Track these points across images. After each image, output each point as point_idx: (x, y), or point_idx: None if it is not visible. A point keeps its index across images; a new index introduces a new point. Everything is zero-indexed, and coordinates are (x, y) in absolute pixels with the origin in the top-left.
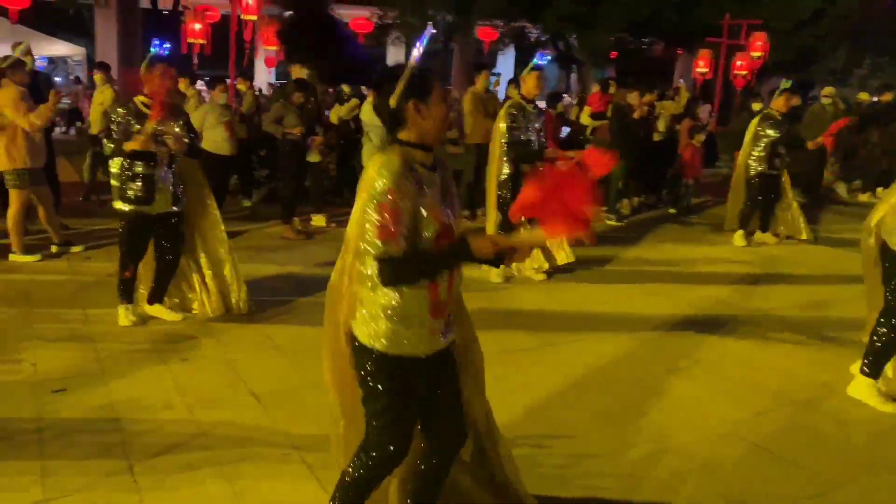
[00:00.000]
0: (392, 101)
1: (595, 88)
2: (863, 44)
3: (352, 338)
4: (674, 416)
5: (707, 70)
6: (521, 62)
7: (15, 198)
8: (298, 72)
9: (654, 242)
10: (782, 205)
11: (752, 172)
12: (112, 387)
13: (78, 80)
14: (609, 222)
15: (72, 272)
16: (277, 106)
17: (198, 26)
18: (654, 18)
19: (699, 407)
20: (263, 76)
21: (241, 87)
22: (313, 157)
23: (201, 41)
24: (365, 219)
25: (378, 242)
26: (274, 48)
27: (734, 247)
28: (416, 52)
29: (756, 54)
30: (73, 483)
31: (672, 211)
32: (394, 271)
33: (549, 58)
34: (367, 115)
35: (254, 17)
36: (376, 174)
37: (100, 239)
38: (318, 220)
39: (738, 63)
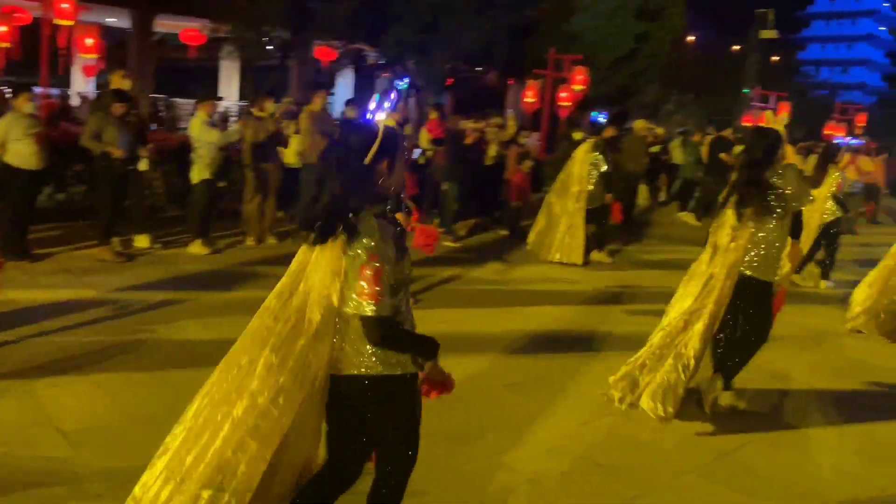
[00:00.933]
0: (367, 160)
1: (433, 114)
2: (670, 82)
3: (369, 378)
4: (507, 432)
5: (534, 100)
6: (360, 85)
7: None
8: (118, 82)
9: (491, 262)
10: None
11: (596, 203)
12: None
13: None
14: (446, 244)
15: None
16: (95, 119)
17: (1, 28)
18: (488, 49)
19: (531, 422)
20: (80, 85)
21: None
22: (142, 165)
23: (5, 44)
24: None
25: (372, 304)
26: (93, 56)
27: (569, 267)
28: (385, 112)
29: (578, 87)
30: None
31: (504, 232)
32: (388, 335)
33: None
34: (197, 130)
35: (69, 23)
36: (369, 237)
37: None
38: (141, 241)
39: (563, 95)
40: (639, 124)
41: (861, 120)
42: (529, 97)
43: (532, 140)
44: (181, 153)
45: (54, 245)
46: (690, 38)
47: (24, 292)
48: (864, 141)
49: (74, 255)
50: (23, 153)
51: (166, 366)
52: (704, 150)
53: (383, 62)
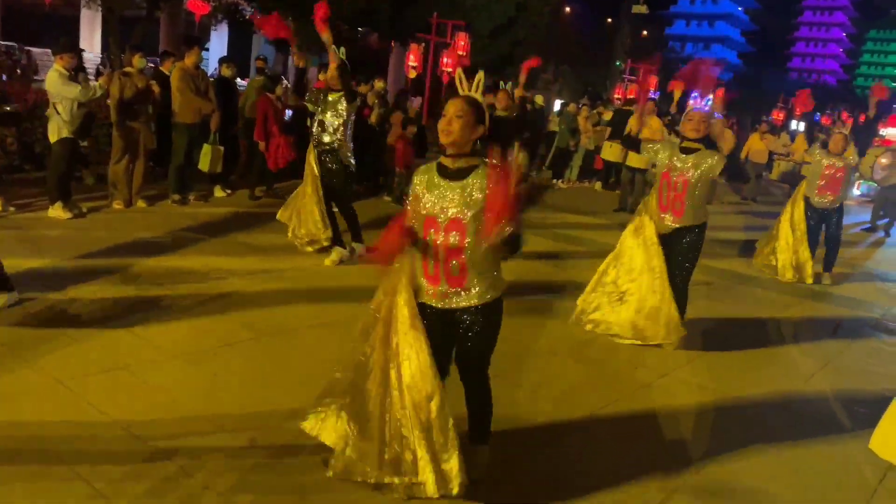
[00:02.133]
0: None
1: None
2: (549, 52)
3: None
4: None
5: (417, 65)
6: (236, 41)
7: None
8: None
9: (375, 230)
10: None
11: None
12: None
13: None
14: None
15: None
16: None
17: None
18: (370, 11)
19: None
20: None
21: None
22: None
23: None
24: None
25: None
26: None
27: None
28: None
29: (461, 53)
30: None
31: (388, 198)
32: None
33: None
34: (54, 84)
35: None
36: None
37: None
38: None
39: (446, 60)
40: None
41: (720, 94)
42: (412, 61)
43: (415, 105)
44: (38, 109)
45: None
46: (567, 10)
47: None
48: (721, 115)
49: None
50: None
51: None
52: (581, 121)
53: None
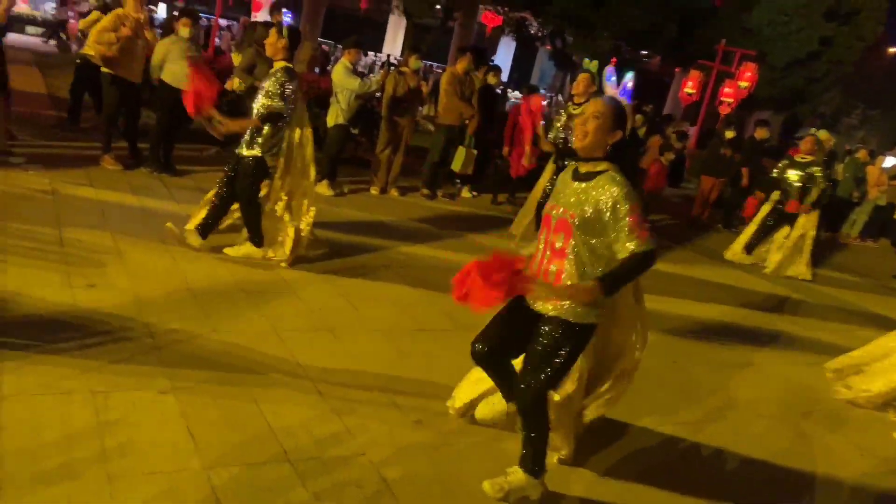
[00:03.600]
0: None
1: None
2: (855, 93)
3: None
4: None
5: (694, 91)
6: (520, 55)
7: None
8: (281, 16)
9: None
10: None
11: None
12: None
13: None
14: None
15: (5, 183)
16: (250, 52)
17: None
18: (655, 32)
19: None
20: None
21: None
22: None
23: None
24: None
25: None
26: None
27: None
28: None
29: (744, 84)
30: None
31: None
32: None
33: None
34: (339, 76)
35: None
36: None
37: (56, 159)
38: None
39: (726, 90)
40: (822, 135)
41: None
42: (689, 88)
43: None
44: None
45: (195, 164)
46: (892, 50)
47: (157, 202)
48: None
49: (210, 177)
50: (177, 74)
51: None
52: (873, 172)
53: (544, 33)
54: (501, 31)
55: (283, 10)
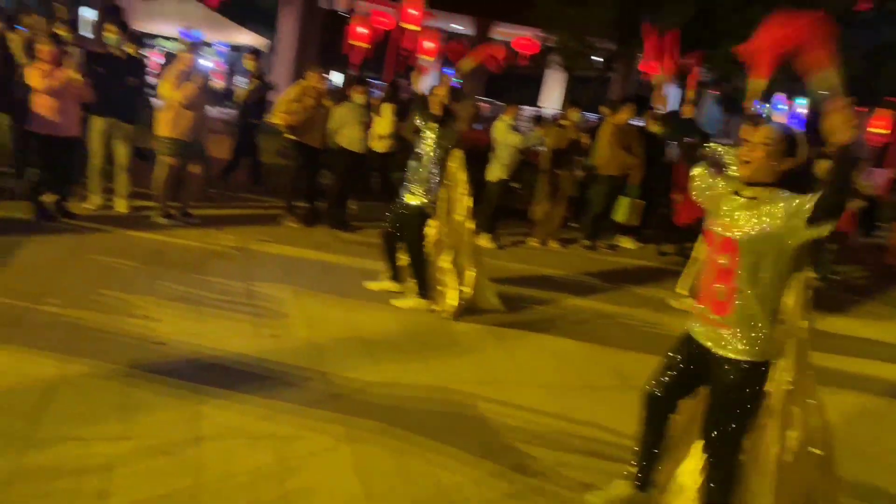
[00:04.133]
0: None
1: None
2: None
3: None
4: None
5: (887, 132)
6: (682, 102)
7: (164, 164)
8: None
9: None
10: None
11: None
12: (211, 342)
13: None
14: None
15: (201, 240)
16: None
17: (362, 30)
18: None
19: None
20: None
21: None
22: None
23: (364, 44)
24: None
25: None
26: (430, 59)
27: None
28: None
29: None
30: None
31: (812, 275)
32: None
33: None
34: (500, 132)
35: (415, 28)
36: None
37: (235, 219)
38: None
39: None
40: None
41: None
42: (879, 127)
43: (875, 176)
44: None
45: (369, 220)
46: None
47: (335, 256)
48: None
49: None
50: (352, 138)
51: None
52: None
53: (710, 79)
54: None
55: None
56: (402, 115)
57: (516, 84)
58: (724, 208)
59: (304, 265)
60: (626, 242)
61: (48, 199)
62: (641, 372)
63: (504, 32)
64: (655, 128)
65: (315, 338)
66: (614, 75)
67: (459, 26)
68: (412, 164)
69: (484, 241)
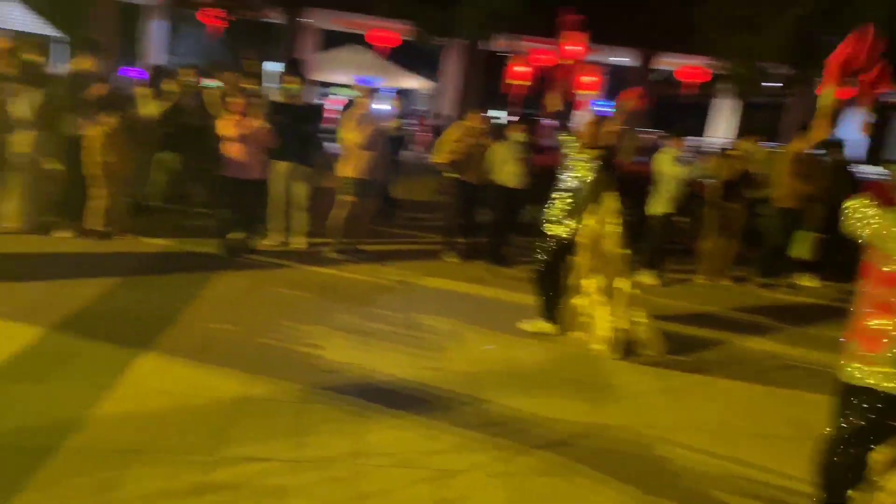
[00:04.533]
0: None
1: None
2: None
3: None
4: None
5: None
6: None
7: (342, 203)
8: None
9: None
10: None
11: None
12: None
13: (419, 112)
14: None
15: (370, 274)
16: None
17: (521, 68)
18: None
19: None
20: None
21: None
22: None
23: (523, 82)
24: None
25: None
26: (592, 92)
27: None
28: None
29: None
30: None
31: None
32: None
33: None
34: (665, 164)
35: (575, 63)
36: None
37: (399, 255)
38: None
39: None
40: None
41: None
42: None
43: None
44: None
45: (527, 256)
46: None
47: (492, 290)
48: None
49: None
50: (510, 174)
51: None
52: None
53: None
54: (847, 104)
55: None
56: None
57: (682, 113)
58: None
59: (463, 299)
60: (808, 280)
61: (235, 236)
62: (819, 420)
63: (668, 62)
64: (838, 155)
65: (472, 370)
66: (791, 100)
67: (622, 58)
68: (559, 194)
69: (647, 278)
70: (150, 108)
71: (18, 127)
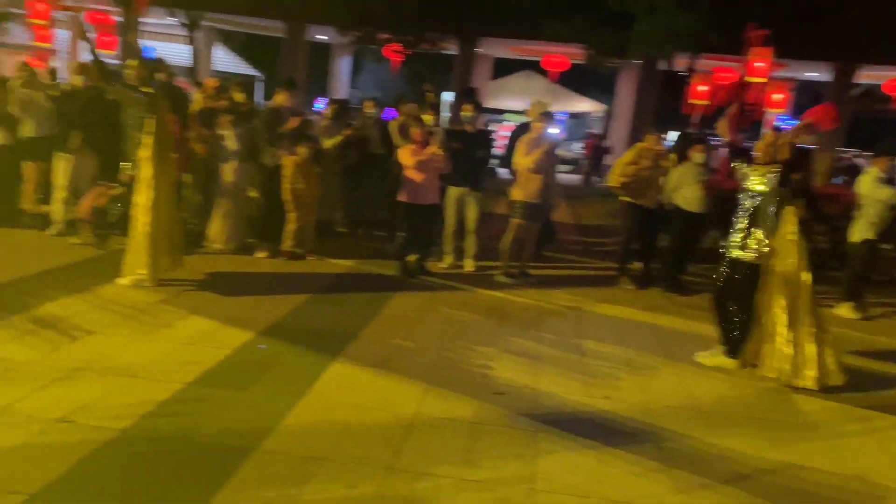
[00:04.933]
0: None
1: None
2: None
3: None
4: None
5: None
6: None
7: (513, 227)
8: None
9: None
10: None
11: None
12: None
13: (591, 135)
14: None
15: (539, 299)
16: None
17: (702, 88)
18: None
19: None
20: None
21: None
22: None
23: (703, 102)
24: None
25: None
26: (779, 111)
27: None
28: None
29: None
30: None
31: None
32: None
33: None
34: (867, 187)
35: (762, 80)
36: None
37: (568, 280)
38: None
39: None
40: None
41: None
42: None
43: None
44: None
45: (707, 284)
46: None
47: (669, 319)
48: None
49: None
50: (690, 198)
51: None
52: None
53: None
54: None
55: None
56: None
57: (888, 131)
58: None
59: (637, 328)
60: None
61: (411, 258)
62: None
63: (871, 76)
64: None
65: (647, 400)
66: None
67: (814, 73)
68: (739, 216)
69: (846, 311)
70: (334, 139)
71: (229, 158)
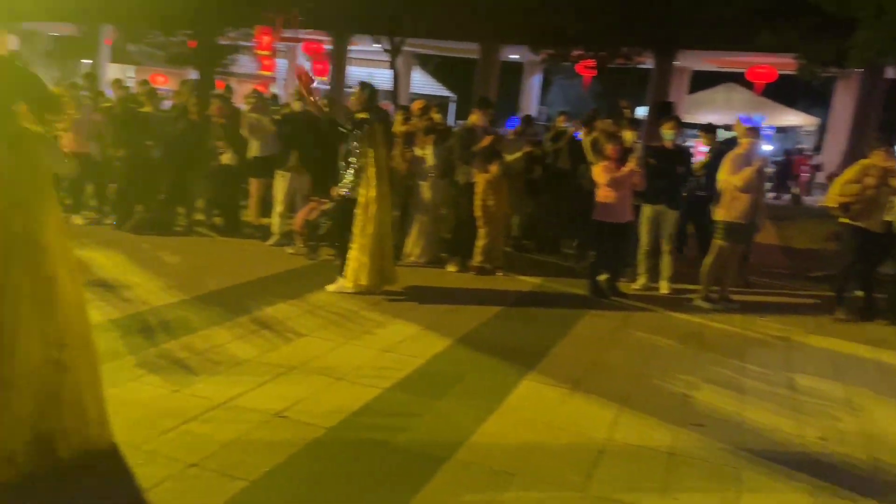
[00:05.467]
0: None
1: None
2: None
3: None
4: None
5: None
6: None
7: (715, 248)
8: None
9: None
10: None
11: None
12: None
13: (800, 151)
14: None
15: (742, 326)
16: None
17: None
18: None
19: None
20: None
21: None
22: None
23: None
24: None
25: None
26: None
27: None
28: None
29: None
30: None
31: None
32: None
33: None
34: None
35: None
36: None
37: (776, 307)
38: None
39: None
40: None
41: None
42: None
43: None
44: None
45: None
46: None
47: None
48: None
49: None
50: None
51: None
52: None
53: None
54: None
55: None
56: None
57: None
58: None
59: (859, 363)
60: None
61: (602, 278)
62: None
63: None
64: None
65: (870, 445)
66: None
67: None
68: None
69: None
70: (515, 154)
71: (427, 176)
